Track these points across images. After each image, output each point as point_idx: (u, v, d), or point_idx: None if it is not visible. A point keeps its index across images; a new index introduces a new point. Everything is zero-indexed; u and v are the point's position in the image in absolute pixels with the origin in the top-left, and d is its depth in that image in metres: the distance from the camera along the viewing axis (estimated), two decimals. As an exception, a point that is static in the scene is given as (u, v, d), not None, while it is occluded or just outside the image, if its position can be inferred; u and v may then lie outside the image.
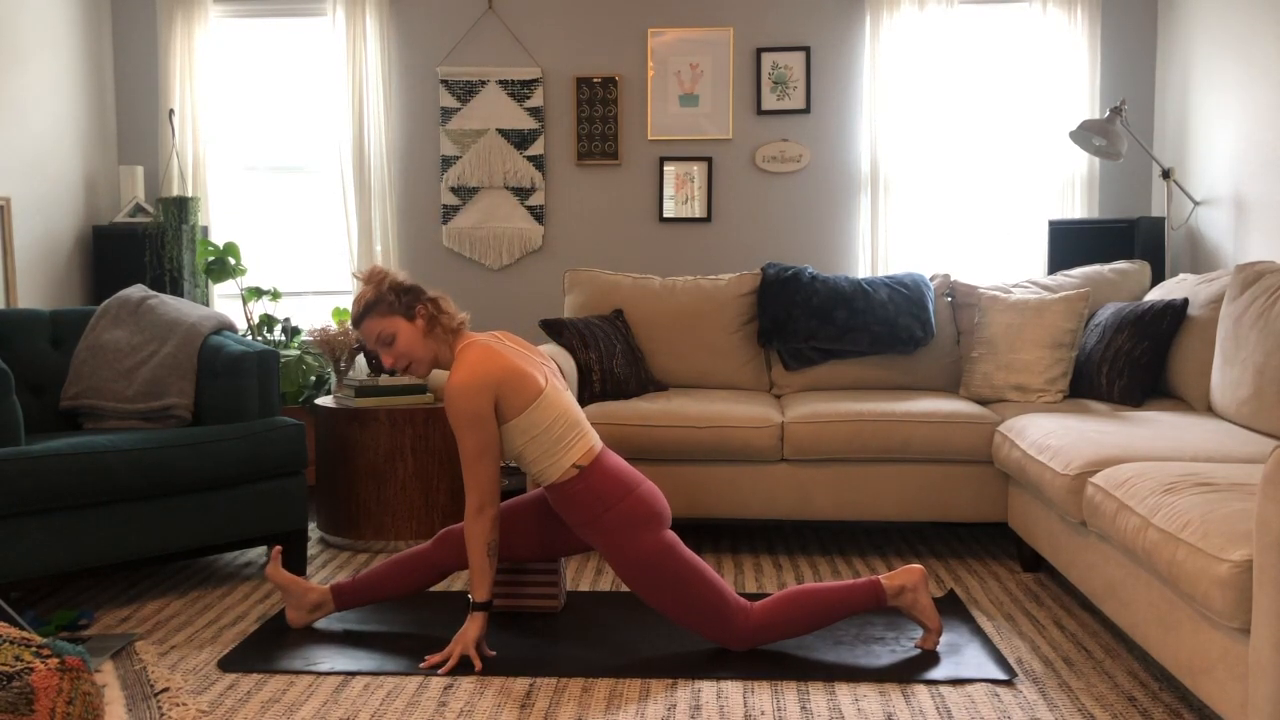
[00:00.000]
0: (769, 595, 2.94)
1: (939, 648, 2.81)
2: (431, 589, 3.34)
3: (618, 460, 2.83)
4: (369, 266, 2.97)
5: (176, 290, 4.67)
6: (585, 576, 3.50)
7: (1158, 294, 3.93)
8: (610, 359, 3.97)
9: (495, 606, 3.13)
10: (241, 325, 4.84)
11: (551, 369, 2.90)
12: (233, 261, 4.74)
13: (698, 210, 4.96)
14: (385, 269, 2.93)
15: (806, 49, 4.87)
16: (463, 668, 2.69)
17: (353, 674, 2.68)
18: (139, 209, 4.83)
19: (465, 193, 4.99)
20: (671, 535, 2.76)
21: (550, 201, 5.01)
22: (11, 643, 2.11)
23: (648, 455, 3.66)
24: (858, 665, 2.70)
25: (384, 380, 3.90)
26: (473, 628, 2.72)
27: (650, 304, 4.30)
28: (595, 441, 2.81)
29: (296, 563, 3.50)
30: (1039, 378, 3.80)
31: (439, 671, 2.67)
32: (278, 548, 3.03)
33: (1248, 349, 3.18)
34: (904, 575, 2.79)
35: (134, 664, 2.74)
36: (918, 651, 2.79)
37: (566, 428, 2.75)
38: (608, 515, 2.73)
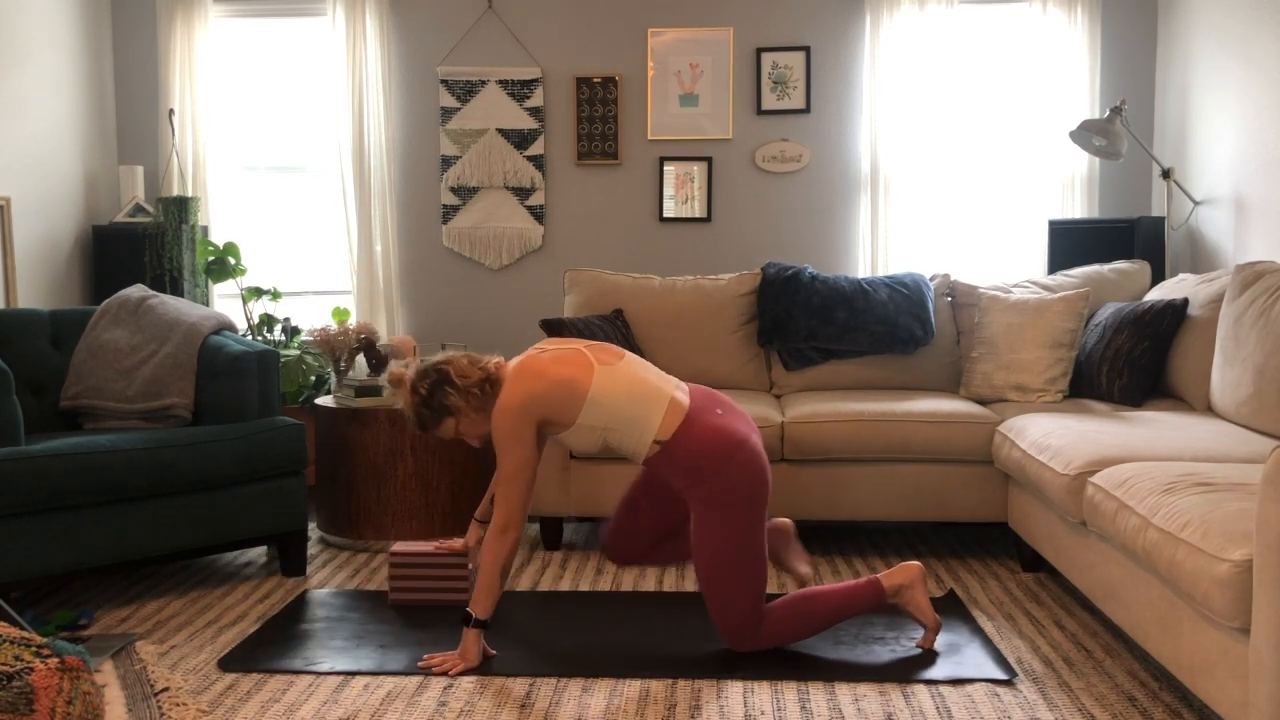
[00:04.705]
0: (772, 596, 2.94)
1: (939, 647, 2.81)
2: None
3: (709, 421, 2.67)
4: (391, 374, 2.81)
5: (176, 290, 4.67)
6: (585, 576, 3.50)
7: (1158, 294, 3.93)
8: (610, 359, 3.96)
9: (410, 600, 3.20)
10: (241, 325, 4.84)
11: (597, 348, 2.75)
12: (233, 261, 4.74)
13: (698, 210, 4.95)
14: (402, 375, 2.77)
15: (806, 49, 4.86)
16: (463, 668, 2.70)
17: (353, 674, 2.68)
18: (139, 209, 4.83)
19: (465, 193, 4.99)
20: (762, 517, 2.69)
21: (550, 201, 5.01)
22: (11, 643, 2.11)
23: (648, 455, 3.66)
24: (858, 665, 2.71)
25: (384, 380, 3.90)
26: (474, 647, 2.70)
27: (650, 304, 4.30)
28: (680, 401, 2.69)
29: (296, 563, 3.50)
30: (1039, 378, 3.80)
31: (434, 670, 2.68)
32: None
33: (1248, 349, 3.18)
34: (902, 573, 2.80)
35: (134, 664, 2.74)
36: (918, 651, 2.79)
37: (638, 405, 2.66)
38: (701, 489, 2.65)
